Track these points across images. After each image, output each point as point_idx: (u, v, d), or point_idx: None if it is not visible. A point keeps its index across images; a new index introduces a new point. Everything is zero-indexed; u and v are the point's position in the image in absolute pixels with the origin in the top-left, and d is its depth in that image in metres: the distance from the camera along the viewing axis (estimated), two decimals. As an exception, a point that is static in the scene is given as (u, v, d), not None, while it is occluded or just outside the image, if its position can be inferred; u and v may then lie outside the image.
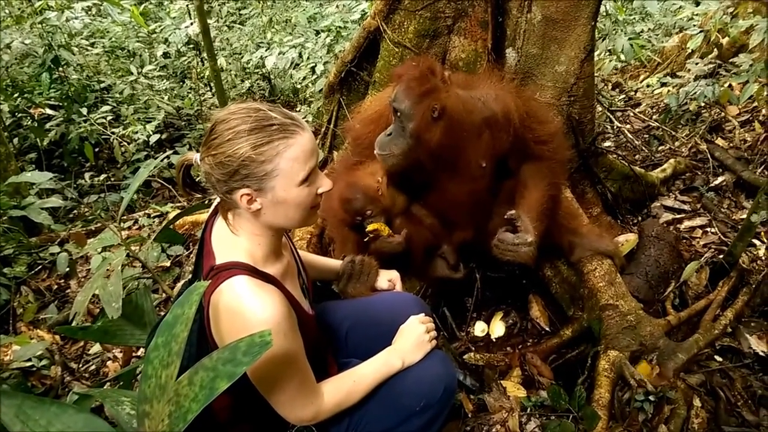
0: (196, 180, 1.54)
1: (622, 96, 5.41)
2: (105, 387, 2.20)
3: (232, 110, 1.34)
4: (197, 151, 1.41)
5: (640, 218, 3.30)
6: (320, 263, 2.05)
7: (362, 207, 2.14)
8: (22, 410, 1.09)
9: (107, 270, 1.78)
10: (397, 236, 2.18)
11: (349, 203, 2.15)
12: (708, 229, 3.18)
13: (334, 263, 2.05)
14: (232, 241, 1.43)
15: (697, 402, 2.18)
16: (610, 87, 5.66)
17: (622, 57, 4.44)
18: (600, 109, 4.22)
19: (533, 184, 2.25)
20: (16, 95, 5.13)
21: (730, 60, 4.51)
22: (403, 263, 2.26)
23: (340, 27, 5.39)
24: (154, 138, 4.94)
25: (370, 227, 2.13)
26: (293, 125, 1.34)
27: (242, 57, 6.35)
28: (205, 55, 5.60)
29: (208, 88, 6.43)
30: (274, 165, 1.31)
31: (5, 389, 2.08)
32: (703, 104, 4.27)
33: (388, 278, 2.06)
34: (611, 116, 4.41)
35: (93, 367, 2.74)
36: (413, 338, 1.66)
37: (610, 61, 5.02)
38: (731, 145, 3.94)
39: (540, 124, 2.28)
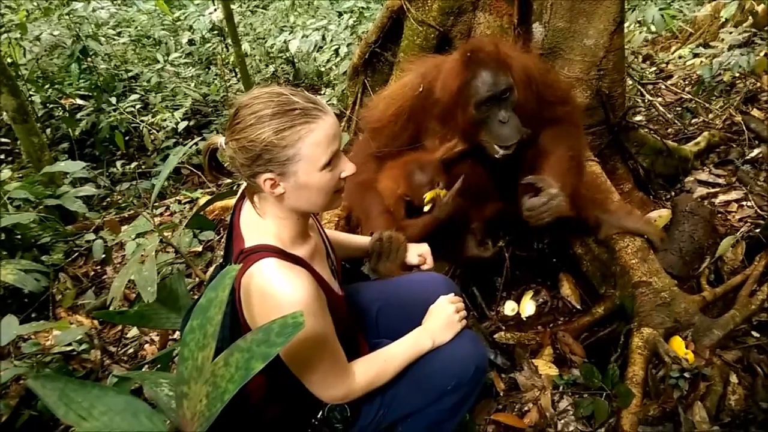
0: (222, 164, 1.55)
1: (653, 68, 5.28)
2: (143, 370, 2.26)
3: (254, 95, 1.34)
4: (223, 135, 1.42)
5: (673, 193, 3.23)
6: (349, 241, 2.05)
7: (431, 178, 2.15)
8: (65, 393, 1.12)
9: (142, 256, 1.82)
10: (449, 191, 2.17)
11: (419, 175, 2.16)
12: (744, 203, 3.09)
13: (362, 240, 2.04)
14: (260, 224, 1.44)
15: (733, 378, 2.15)
16: (640, 59, 5.51)
17: (653, 28, 4.33)
18: (630, 82, 4.12)
19: (553, 146, 2.22)
20: (47, 86, 5.24)
21: (766, 28, 4.35)
22: (431, 244, 2.27)
23: (362, 8, 5.37)
24: (182, 125, 5.00)
25: (427, 197, 2.13)
26: (315, 109, 1.34)
27: (266, 41, 6.37)
28: (229, 40, 5.62)
29: (234, 74, 6.46)
30: (296, 150, 1.31)
31: (48, 373, 2.16)
32: (737, 75, 4.13)
33: (418, 253, 2.04)
34: (642, 89, 4.31)
35: (131, 350, 2.81)
36: (443, 318, 1.66)
37: (641, 32, 4.88)
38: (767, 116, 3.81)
39: (553, 88, 2.25)
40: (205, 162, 1.49)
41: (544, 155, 2.21)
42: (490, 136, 2.06)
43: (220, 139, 1.42)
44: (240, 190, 1.60)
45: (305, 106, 1.32)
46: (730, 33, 4.41)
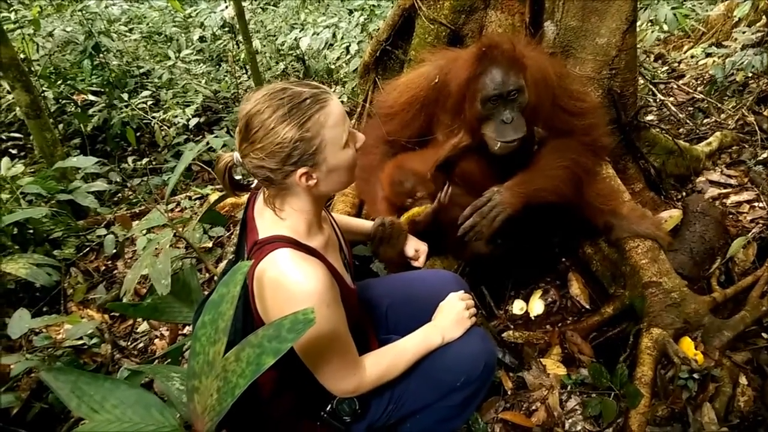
0: (236, 179, 1.54)
1: (665, 68, 5.24)
2: (154, 364, 2.27)
3: (258, 99, 1.34)
4: (232, 150, 1.42)
5: (684, 193, 3.22)
6: (354, 224, 2.09)
7: (413, 189, 2.15)
8: (77, 386, 1.14)
9: (156, 249, 1.83)
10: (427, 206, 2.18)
11: (400, 185, 2.15)
12: (755, 204, 3.07)
13: (367, 224, 2.07)
14: (275, 216, 1.45)
15: (743, 380, 2.14)
16: (652, 59, 5.48)
17: (665, 27, 4.30)
18: (642, 81, 4.10)
19: (544, 154, 2.21)
20: (59, 82, 5.27)
21: (780, 27, 4.31)
22: (438, 242, 2.27)
23: (373, 5, 5.36)
24: (193, 122, 5.02)
25: (404, 217, 2.13)
26: (322, 93, 1.36)
27: (276, 39, 6.38)
28: (240, 38, 5.64)
29: (244, 71, 6.48)
30: (321, 137, 1.34)
31: (60, 366, 2.18)
32: (750, 75, 4.10)
33: (415, 247, 2.08)
34: (654, 89, 4.28)
35: (141, 344, 2.83)
36: (453, 315, 1.67)
37: (653, 31, 4.85)
38: (781, 116, 3.78)
39: (572, 97, 2.23)
40: (226, 181, 1.49)
41: (533, 163, 2.21)
42: (491, 132, 2.06)
43: (234, 155, 1.41)
44: (253, 185, 1.61)
45: (313, 93, 1.34)
46: (744, 32, 4.38)
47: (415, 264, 2.09)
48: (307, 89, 1.34)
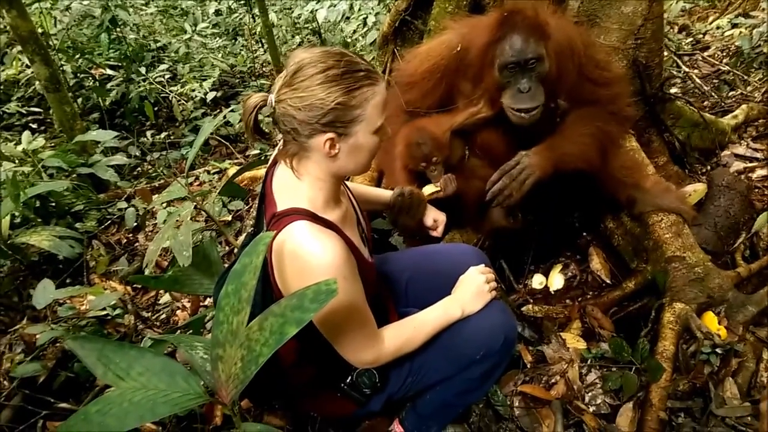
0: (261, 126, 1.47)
1: (690, 39, 5.11)
2: (176, 334, 2.31)
3: (317, 53, 1.32)
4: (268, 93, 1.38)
5: (709, 167, 3.15)
6: (373, 194, 2.07)
7: (429, 153, 2.12)
8: (103, 354, 1.16)
9: (177, 221, 1.85)
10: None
11: (418, 147, 2.12)
12: (782, 178, 3.01)
13: (385, 194, 2.05)
14: (294, 188, 1.44)
15: (766, 355, 2.11)
16: (676, 30, 5.35)
17: (691, -3, 4.18)
18: (666, 53, 4.00)
19: (571, 121, 2.16)
20: (77, 56, 5.29)
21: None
22: (458, 215, 2.25)
23: (391, -24, 5.27)
24: (210, 95, 5.02)
25: (427, 191, 2.12)
26: (375, 73, 1.36)
27: (293, 12, 6.32)
28: (256, 11, 5.59)
29: (260, 45, 6.44)
30: (362, 110, 1.33)
31: (85, 335, 2.22)
32: (778, 45, 3.99)
33: (434, 217, 2.05)
34: (678, 60, 4.18)
35: (163, 316, 2.87)
36: (473, 288, 1.66)
37: (678, 2, 4.73)
38: (810, 88, 3.68)
39: (598, 67, 2.17)
40: (250, 121, 1.40)
41: (559, 130, 2.16)
42: (509, 100, 2.02)
43: (269, 97, 1.37)
44: (272, 158, 1.60)
45: (368, 68, 1.34)
46: (773, 1, 4.26)
47: (434, 234, 2.06)
48: (364, 63, 1.34)
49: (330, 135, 1.33)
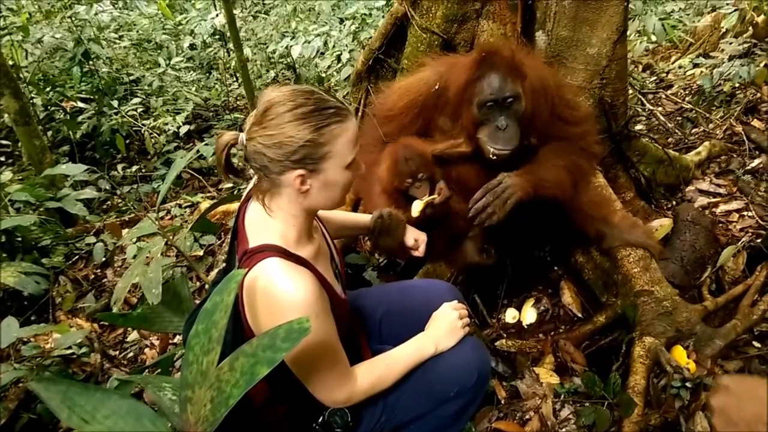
0: (232, 164, 1.48)
1: (654, 78, 5.29)
2: (144, 373, 2.25)
3: (286, 92, 1.34)
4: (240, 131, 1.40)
5: (674, 202, 3.24)
6: (351, 219, 2.09)
7: (416, 168, 2.14)
8: (67, 396, 1.12)
9: (147, 257, 1.82)
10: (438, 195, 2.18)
11: (405, 163, 2.14)
12: (745, 213, 3.09)
13: (364, 218, 2.06)
14: (265, 224, 1.44)
15: (735, 389, 2.15)
16: (640, 69, 5.54)
17: (653, 38, 4.35)
18: (631, 91, 4.13)
19: (545, 154, 2.20)
20: (48, 89, 5.23)
21: (766, 39, 4.37)
22: (432, 249, 2.26)
23: (364, 14, 5.37)
24: (183, 129, 5.00)
25: (419, 207, 2.12)
26: (344, 110, 1.38)
27: (267, 47, 6.37)
28: (231, 45, 5.63)
29: (235, 79, 6.47)
30: (332, 147, 1.34)
31: (50, 376, 2.15)
32: (737, 85, 4.15)
33: (414, 237, 2.06)
34: (643, 99, 4.32)
35: (131, 354, 2.80)
36: (446, 324, 1.66)
37: (641, 42, 4.90)
38: (768, 126, 3.83)
39: (569, 106, 2.24)
40: (222, 159, 1.43)
41: (535, 159, 2.20)
42: (487, 138, 2.06)
43: (239, 135, 1.39)
44: (245, 194, 1.60)
45: (337, 106, 1.36)
46: (731, 43, 4.44)
47: (415, 254, 2.06)
48: (333, 100, 1.37)
49: (299, 172, 1.34)
